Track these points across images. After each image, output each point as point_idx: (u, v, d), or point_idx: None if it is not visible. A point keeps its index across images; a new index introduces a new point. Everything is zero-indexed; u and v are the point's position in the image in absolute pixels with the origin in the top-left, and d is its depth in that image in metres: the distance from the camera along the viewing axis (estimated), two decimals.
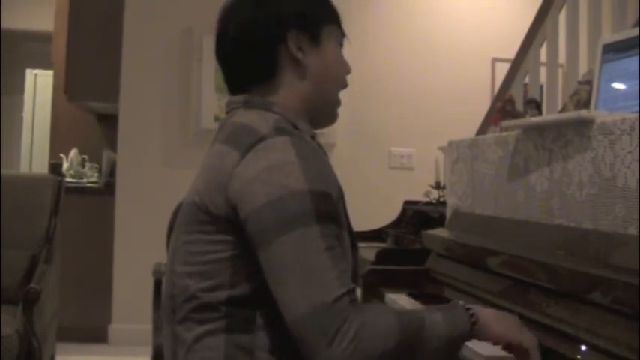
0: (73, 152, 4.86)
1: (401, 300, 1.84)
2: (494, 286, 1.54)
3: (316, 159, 1.19)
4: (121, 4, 4.36)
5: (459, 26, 4.78)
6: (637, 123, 1.26)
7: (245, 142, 1.19)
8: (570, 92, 2.15)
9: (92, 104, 4.69)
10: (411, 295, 1.88)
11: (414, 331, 1.12)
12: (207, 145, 1.32)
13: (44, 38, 5.84)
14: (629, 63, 1.66)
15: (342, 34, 1.39)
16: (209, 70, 4.24)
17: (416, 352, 1.13)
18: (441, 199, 2.82)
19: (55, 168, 3.34)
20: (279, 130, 1.20)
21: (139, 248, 4.06)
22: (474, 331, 1.17)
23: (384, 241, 3.00)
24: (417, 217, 2.99)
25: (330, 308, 1.07)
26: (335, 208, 1.17)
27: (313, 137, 1.34)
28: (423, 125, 4.63)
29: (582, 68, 3.02)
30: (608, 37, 1.93)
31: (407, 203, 3.22)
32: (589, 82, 1.87)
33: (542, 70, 3.32)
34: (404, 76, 4.70)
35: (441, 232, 2.04)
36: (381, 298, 1.95)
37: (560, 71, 3.36)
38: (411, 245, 2.54)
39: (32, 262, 2.96)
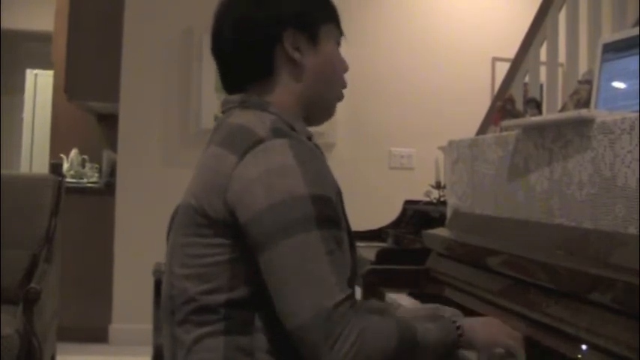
0: (74, 152, 4.87)
1: (401, 300, 1.84)
2: (494, 286, 1.54)
3: (314, 161, 1.18)
4: (121, 4, 4.36)
5: (459, 26, 4.78)
6: (637, 122, 1.26)
7: (242, 144, 1.18)
8: (570, 92, 2.14)
9: (92, 104, 4.70)
10: (411, 294, 1.88)
11: (411, 337, 1.14)
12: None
13: (44, 38, 5.84)
14: (629, 62, 1.66)
15: (341, 34, 1.38)
16: (209, 70, 4.23)
17: (414, 357, 1.13)
18: (442, 199, 2.82)
19: (56, 168, 3.34)
20: (276, 132, 1.19)
21: (140, 248, 4.06)
22: (461, 342, 1.19)
23: (384, 240, 3.00)
24: (417, 217, 2.98)
25: (331, 313, 1.08)
26: (335, 212, 1.17)
27: (310, 138, 1.33)
28: (423, 125, 4.63)
29: (582, 68, 3.02)
30: (608, 36, 1.93)
31: (407, 203, 3.22)
32: (589, 82, 1.87)
33: (542, 70, 3.32)
34: (404, 75, 4.70)
35: (441, 231, 2.04)
36: (382, 298, 1.95)
37: (560, 71, 3.36)
38: (412, 245, 2.54)
39: (32, 262, 2.96)
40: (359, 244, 2.66)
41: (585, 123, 1.41)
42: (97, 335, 4.24)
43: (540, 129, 1.60)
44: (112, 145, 4.57)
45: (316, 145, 1.33)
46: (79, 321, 4.15)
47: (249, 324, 1.17)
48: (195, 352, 1.19)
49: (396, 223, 3.18)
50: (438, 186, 2.93)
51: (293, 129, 1.26)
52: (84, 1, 4.55)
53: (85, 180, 4.74)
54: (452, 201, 2.13)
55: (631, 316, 1.07)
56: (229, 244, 1.17)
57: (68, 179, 4.33)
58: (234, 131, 1.23)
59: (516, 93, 3.20)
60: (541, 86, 3.33)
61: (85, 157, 4.89)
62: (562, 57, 3.27)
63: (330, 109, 1.38)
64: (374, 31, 4.67)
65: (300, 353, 1.11)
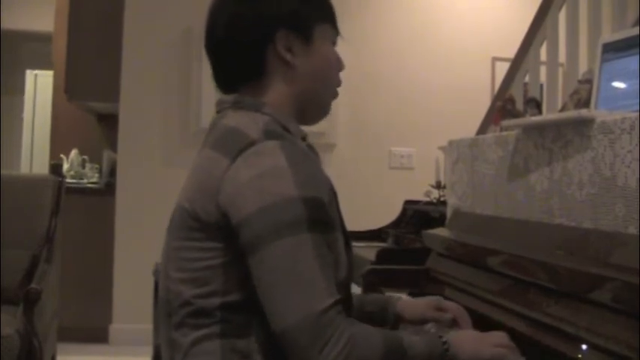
0: (74, 152, 4.87)
1: None
2: (494, 286, 1.54)
3: (306, 163, 1.17)
4: (121, 4, 4.36)
5: (459, 26, 4.78)
6: (637, 122, 1.26)
7: (234, 147, 1.17)
8: (570, 91, 2.14)
9: (92, 104, 4.70)
10: (411, 294, 1.88)
11: (397, 348, 1.13)
12: None
13: (44, 39, 5.84)
14: (629, 62, 1.66)
15: (337, 33, 1.36)
16: (209, 70, 4.19)
17: None
18: (442, 199, 2.82)
19: (56, 168, 3.34)
20: (268, 134, 1.18)
21: (140, 248, 4.06)
22: (447, 357, 1.18)
23: (384, 240, 3.00)
24: (418, 217, 2.98)
25: (320, 317, 1.07)
26: (326, 214, 1.17)
27: (304, 138, 1.32)
28: (423, 125, 4.63)
29: (582, 67, 3.02)
30: (608, 36, 1.93)
31: (407, 203, 3.22)
32: (589, 82, 1.87)
33: (543, 70, 3.32)
34: (404, 75, 4.70)
35: (441, 231, 2.03)
36: None
37: (560, 70, 3.35)
38: (412, 245, 2.54)
39: (33, 262, 2.96)
40: (359, 244, 2.68)
41: (585, 123, 1.41)
42: (98, 335, 4.24)
43: (540, 129, 1.60)
44: (112, 146, 4.57)
45: (311, 146, 1.33)
46: (80, 321, 4.15)
47: (245, 327, 1.17)
48: (193, 355, 1.19)
49: (396, 223, 3.18)
50: (438, 186, 2.93)
51: (287, 130, 1.25)
52: (84, 2, 4.55)
53: (85, 180, 4.74)
54: (452, 201, 2.13)
55: (631, 316, 1.07)
56: (222, 248, 1.17)
57: (68, 179, 4.33)
58: (226, 133, 1.22)
59: (516, 93, 3.20)
60: (541, 86, 3.33)
61: (85, 157, 4.89)
62: (562, 57, 3.27)
63: (325, 108, 1.37)
64: (374, 30, 4.67)
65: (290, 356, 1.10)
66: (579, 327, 1.20)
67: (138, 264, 3.80)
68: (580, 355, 1.18)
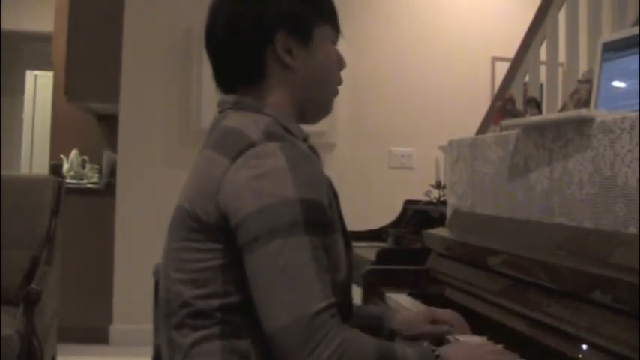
0: (74, 153, 4.86)
1: (401, 300, 1.84)
2: (494, 286, 1.54)
3: (306, 165, 1.17)
4: (121, 5, 4.36)
5: (459, 25, 4.78)
6: (637, 122, 1.26)
7: (234, 148, 1.17)
8: (570, 91, 2.14)
9: (92, 105, 4.70)
10: (411, 294, 1.88)
11: (390, 357, 1.12)
12: None
13: (44, 39, 5.84)
14: (629, 62, 1.66)
15: (337, 33, 1.35)
16: (209, 70, 4.20)
17: None
18: (442, 199, 2.82)
19: (56, 169, 3.34)
20: (269, 136, 1.18)
21: (140, 249, 4.06)
22: None
23: (384, 240, 3.00)
24: (418, 217, 2.98)
25: (313, 320, 1.06)
26: (325, 217, 1.16)
27: (306, 139, 1.32)
28: (423, 125, 4.63)
29: (582, 67, 3.02)
30: (608, 35, 1.93)
31: (407, 203, 3.22)
32: (589, 81, 1.87)
33: (542, 69, 3.32)
34: (404, 75, 4.70)
35: (441, 231, 2.03)
36: (382, 298, 1.95)
37: (560, 70, 3.35)
38: (412, 245, 2.54)
39: (33, 262, 2.96)
40: (359, 244, 2.68)
41: (585, 122, 1.41)
42: (98, 336, 4.24)
43: (540, 129, 1.60)
44: (112, 146, 4.57)
45: (312, 148, 1.32)
46: (80, 321, 4.15)
47: (245, 327, 1.17)
48: (193, 355, 1.18)
49: (396, 223, 3.18)
50: (438, 186, 2.93)
51: (288, 131, 1.25)
52: (84, 2, 4.55)
53: (85, 181, 4.74)
54: (452, 201, 2.13)
55: (631, 316, 1.07)
56: (221, 249, 1.16)
57: (68, 180, 4.33)
58: (226, 134, 1.22)
59: (516, 92, 3.20)
60: (541, 86, 3.33)
61: (85, 157, 4.88)
62: (562, 56, 3.27)
63: (327, 107, 1.37)
64: (374, 30, 4.68)
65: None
66: (579, 327, 1.20)
67: (138, 264, 3.80)
68: (580, 355, 1.18)
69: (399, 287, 1.95)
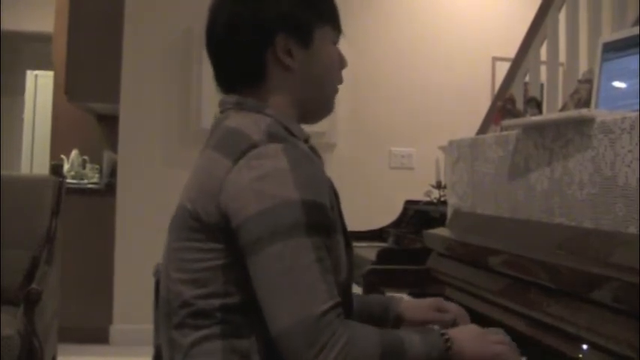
0: (74, 153, 4.87)
1: None
2: (495, 286, 1.54)
3: (308, 166, 1.17)
4: (121, 5, 4.36)
5: (460, 25, 4.78)
6: (637, 122, 1.26)
7: (236, 149, 1.17)
8: (570, 91, 2.14)
9: (92, 105, 4.70)
10: (411, 294, 1.88)
11: (397, 350, 1.12)
12: None
13: (44, 39, 5.84)
14: (630, 61, 1.66)
15: (338, 34, 1.35)
16: (209, 70, 4.20)
17: None
18: (442, 199, 2.82)
19: (56, 169, 3.34)
20: (271, 137, 1.18)
21: (140, 249, 4.06)
22: (449, 355, 1.17)
23: (384, 240, 3.00)
24: (418, 217, 2.98)
25: (318, 321, 1.06)
26: (327, 218, 1.16)
27: (307, 140, 1.32)
28: (423, 125, 4.63)
29: (583, 67, 3.02)
30: (608, 35, 1.93)
31: (407, 203, 3.22)
32: (589, 81, 1.87)
33: (543, 69, 3.32)
34: (404, 75, 4.70)
35: (441, 231, 2.03)
36: None
37: (560, 70, 3.35)
38: (412, 245, 2.54)
39: (33, 262, 2.96)
40: (360, 244, 2.68)
41: (586, 122, 1.41)
42: (98, 336, 4.24)
43: (541, 128, 1.60)
44: (113, 146, 4.57)
45: (313, 148, 1.32)
46: (80, 321, 4.15)
47: (245, 327, 1.17)
48: (193, 355, 1.18)
49: (396, 223, 3.18)
50: (439, 186, 2.93)
51: (290, 131, 1.25)
52: (84, 2, 4.55)
53: (85, 181, 4.74)
54: (452, 201, 2.13)
55: (631, 315, 1.07)
56: (222, 249, 1.16)
57: (69, 180, 4.33)
58: (228, 135, 1.22)
59: (517, 92, 3.20)
60: (541, 86, 3.33)
61: (86, 157, 4.89)
62: (562, 56, 3.27)
63: (328, 106, 1.37)
64: (375, 30, 4.68)
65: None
66: (579, 326, 1.20)
67: (138, 264, 3.80)
68: (580, 355, 1.18)
69: (399, 287, 1.95)
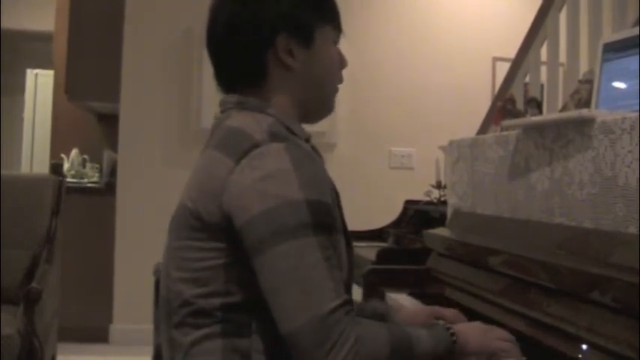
0: (74, 152, 4.87)
1: (402, 300, 1.84)
2: (495, 286, 1.54)
3: (311, 165, 1.17)
4: (121, 4, 4.36)
5: (460, 25, 4.78)
6: (637, 122, 1.26)
7: (238, 148, 1.17)
8: (571, 91, 2.14)
9: (93, 104, 4.70)
10: (411, 294, 1.88)
11: (405, 345, 1.13)
12: None
13: (45, 38, 5.84)
14: (630, 62, 1.66)
15: (339, 33, 1.36)
16: (209, 70, 4.21)
17: None
18: (442, 199, 2.82)
19: (56, 168, 3.34)
20: (273, 136, 1.18)
21: (140, 248, 4.06)
22: (455, 349, 1.18)
23: (384, 240, 3.00)
24: (418, 217, 2.98)
25: (327, 319, 1.07)
26: (331, 217, 1.16)
27: (308, 140, 1.32)
28: (423, 125, 4.63)
29: (583, 67, 3.02)
30: (608, 36, 1.93)
31: (407, 203, 3.22)
32: (589, 82, 1.87)
33: (543, 70, 3.32)
34: (404, 75, 4.70)
35: (441, 231, 2.04)
36: (382, 298, 1.95)
37: (560, 70, 3.36)
38: (412, 245, 2.54)
39: (33, 262, 2.96)
40: (360, 244, 2.68)
41: (586, 122, 1.41)
42: (98, 335, 4.24)
43: (541, 129, 1.60)
44: (113, 145, 4.57)
45: (314, 148, 1.33)
46: (80, 321, 4.15)
47: (245, 326, 1.17)
48: (193, 354, 1.19)
49: (396, 223, 3.18)
50: (439, 186, 2.93)
51: (291, 131, 1.25)
52: (84, 1, 4.55)
53: (85, 180, 4.74)
54: (452, 201, 2.13)
55: (631, 316, 1.07)
56: (223, 249, 1.16)
57: (69, 179, 4.33)
58: (230, 134, 1.22)
59: (517, 93, 3.20)
60: (542, 86, 3.33)
61: (86, 156, 4.89)
62: (562, 57, 3.27)
63: (329, 105, 1.37)
64: (375, 30, 4.68)
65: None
66: (579, 327, 1.20)
67: (138, 264, 3.80)
68: (580, 355, 1.18)
69: (399, 287, 1.95)
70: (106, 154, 4.71)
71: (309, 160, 1.18)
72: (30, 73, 7.20)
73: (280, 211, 1.10)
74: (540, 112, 2.19)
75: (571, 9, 3.20)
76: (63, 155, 4.84)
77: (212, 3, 1.33)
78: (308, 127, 1.35)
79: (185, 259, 1.21)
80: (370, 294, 2.04)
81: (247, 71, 1.29)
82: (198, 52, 4.28)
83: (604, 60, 1.76)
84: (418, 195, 3.04)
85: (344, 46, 1.39)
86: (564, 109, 2.08)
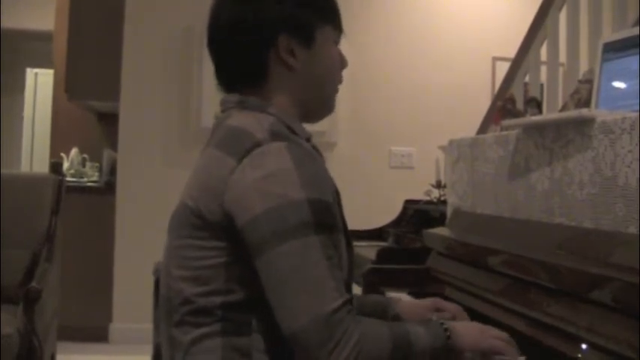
0: (74, 151, 4.87)
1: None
2: (494, 285, 1.54)
3: (312, 164, 1.17)
4: (121, 3, 4.36)
5: (460, 25, 4.78)
6: (637, 122, 1.26)
7: (240, 147, 1.17)
8: (571, 91, 2.14)
9: (92, 103, 4.70)
10: (411, 294, 1.88)
11: (405, 342, 1.14)
12: None
13: (45, 37, 5.84)
14: (630, 62, 1.66)
15: (340, 33, 1.36)
16: (209, 70, 4.20)
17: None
18: (442, 198, 2.82)
19: (56, 167, 3.34)
20: (274, 135, 1.18)
21: (140, 247, 4.06)
22: (449, 345, 1.19)
23: (384, 240, 3.00)
24: (418, 216, 2.98)
25: (329, 319, 1.07)
26: (332, 216, 1.17)
27: (309, 139, 1.32)
28: (423, 124, 4.63)
29: (583, 67, 3.02)
30: (608, 36, 1.93)
31: (407, 202, 3.22)
32: (589, 81, 1.87)
33: (543, 69, 3.32)
34: (404, 75, 4.70)
35: (441, 231, 2.04)
36: None
37: (560, 70, 3.35)
38: (412, 244, 2.54)
39: (33, 261, 2.96)
40: (359, 243, 2.68)
41: (586, 122, 1.41)
42: (98, 334, 4.24)
43: (541, 128, 1.60)
44: (113, 144, 4.57)
45: (315, 147, 1.33)
46: (80, 320, 4.15)
47: (246, 325, 1.17)
48: (193, 353, 1.19)
49: (396, 223, 3.18)
50: (439, 185, 2.93)
51: (292, 130, 1.25)
52: (84, 1, 4.55)
53: (85, 179, 4.74)
54: (452, 200, 2.13)
55: (631, 316, 1.08)
56: (224, 247, 1.17)
57: (68, 178, 4.33)
58: (231, 133, 1.22)
59: (517, 92, 3.20)
60: (541, 86, 3.33)
61: (86, 156, 4.89)
62: (562, 56, 3.27)
63: (329, 105, 1.37)
64: (375, 30, 4.68)
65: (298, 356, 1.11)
66: (579, 327, 1.20)
67: (138, 263, 3.80)
68: (580, 355, 1.18)
69: (399, 287, 1.95)
70: (106, 154, 4.71)
71: (311, 160, 1.18)
72: (30, 73, 7.20)
73: (282, 211, 1.11)
74: (540, 111, 2.19)
75: (571, 9, 3.20)
76: (63, 154, 4.84)
77: (213, 2, 1.33)
78: (308, 127, 1.35)
79: (186, 257, 1.21)
80: (370, 293, 2.03)
81: (248, 71, 1.29)
82: (199, 52, 4.28)
83: (604, 60, 1.76)
84: (418, 194, 3.04)
85: (344, 46, 1.39)
86: (564, 108, 2.08)
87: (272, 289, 1.12)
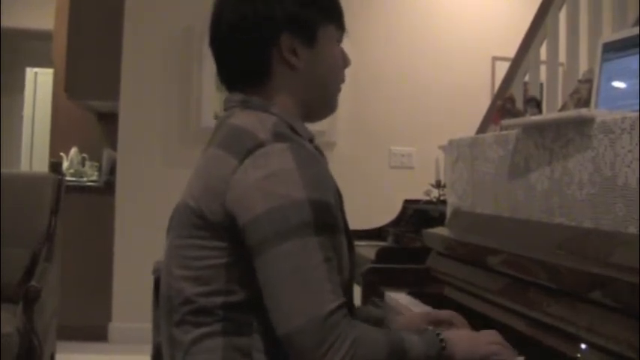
0: (73, 151, 4.86)
1: (401, 299, 1.84)
2: (494, 285, 1.54)
3: (314, 165, 1.17)
4: (121, 2, 4.36)
5: (460, 25, 4.78)
6: (637, 122, 1.26)
7: (242, 147, 1.17)
8: (570, 91, 2.14)
9: (92, 103, 4.70)
10: (411, 294, 1.88)
11: (400, 349, 1.14)
12: None
13: (44, 37, 5.84)
14: (630, 62, 1.66)
15: (342, 32, 1.36)
16: (209, 69, 4.23)
17: None
18: (442, 198, 2.82)
19: (55, 166, 3.34)
20: (277, 136, 1.18)
21: (139, 247, 4.06)
22: (444, 354, 1.18)
23: (384, 239, 3.00)
24: (417, 216, 2.98)
25: (325, 320, 1.07)
26: (333, 217, 1.17)
27: (312, 140, 1.32)
28: (423, 124, 4.63)
29: (582, 67, 3.02)
30: (608, 35, 1.93)
31: (407, 202, 3.22)
32: (589, 81, 1.87)
33: (543, 69, 3.32)
34: (404, 74, 4.70)
35: (441, 230, 2.04)
36: (381, 297, 1.95)
37: (560, 70, 3.35)
38: (412, 244, 2.54)
39: (32, 260, 2.96)
40: (359, 243, 2.67)
41: (585, 122, 1.41)
42: (97, 334, 4.24)
43: (540, 128, 1.60)
44: (112, 144, 4.57)
45: (317, 148, 1.33)
46: (79, 319, 4.15)
47: (246, 325, 1.17)
48: (194, 353, 1.19)
49: (396, 222, 3.18)
50: (438, 185, 2.93)
51: (294, 131, 1.25)
52: (84, 0, 4.55)
53: (84, 178, 4.74)
54: (452, 200, 2.13)
55: (631, 316, 1.08)
56: (226, 247, 1.17)
57: (68, 178, 4.33)
58: (234, 133, 1.22)
59: (516, 92, 3.20)
60: (541, 85, 3.33)
61: (85, 155, 4.88)
62: (562, 56, 3.27)
63: (331, 104, 1.37)
64: (375, 30, 4.67)
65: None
66: (579, 326, 1.20)
67: (138, 262, 3.80)
68: (580, 355, 1.18)
69: (398, 286, 1.95)
70: (106, 153, 4.70)
71: (313, 161, 1.18)
72: (29, 72, 7.20)
73: (283, 211, 1.11)
74: (540, 111, 2.19)
75: (571, 8, 3.20)
76: (62, 154, 4.84)
77: (215, 1, 1.33)
78: (308, 126, 1.35)
79: (187, 257, 1.21)
80: (369, 293, 2.04)
81: (250, 70, 1.29)
82: (199, 51, 4.28)
83: (604, 60, 1.76)
84: (418, 194, 3.04)
85: (346, 45, 1.40)
86: (564, 108, 2.08)
87: (268, 288, 1.12)
